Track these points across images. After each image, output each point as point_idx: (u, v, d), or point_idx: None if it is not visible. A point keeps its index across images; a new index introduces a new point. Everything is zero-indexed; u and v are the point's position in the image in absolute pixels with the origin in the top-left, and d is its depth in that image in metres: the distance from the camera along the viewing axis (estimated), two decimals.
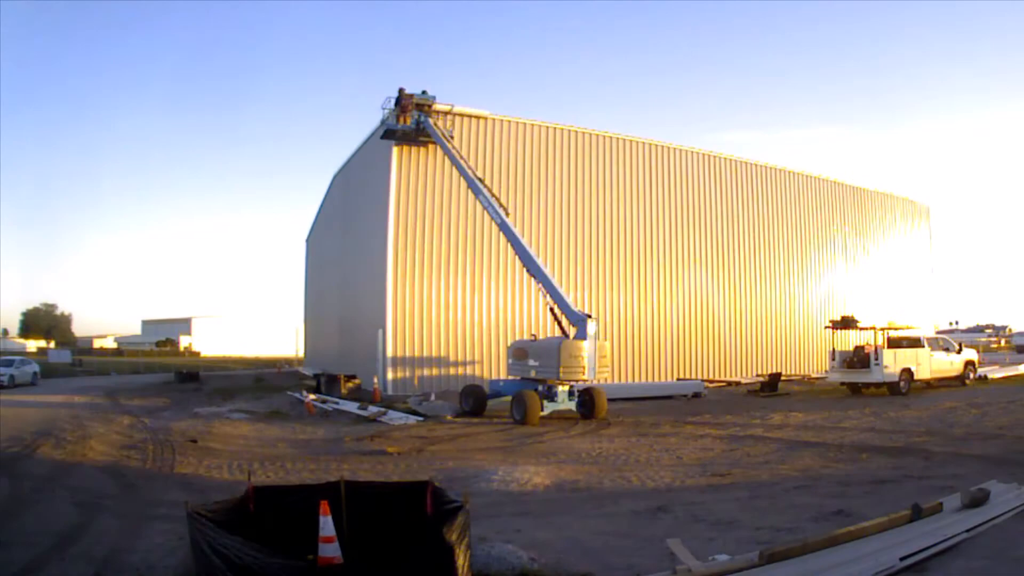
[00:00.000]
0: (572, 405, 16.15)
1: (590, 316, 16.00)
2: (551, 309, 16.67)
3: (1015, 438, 11.72)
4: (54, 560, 6.10)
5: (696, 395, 21.55)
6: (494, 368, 21.72)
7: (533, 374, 16.02)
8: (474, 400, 17.13)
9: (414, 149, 21.41)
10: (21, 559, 6.06)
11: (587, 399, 16.11)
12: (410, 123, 20.61)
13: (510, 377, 17.15)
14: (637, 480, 9.42)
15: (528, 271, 17.50)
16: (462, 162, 19.73)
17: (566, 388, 16.06)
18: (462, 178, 20.63)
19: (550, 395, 15.76)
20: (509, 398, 16.33)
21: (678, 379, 24.26)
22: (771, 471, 9.78)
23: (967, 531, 6.01)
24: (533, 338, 17.34)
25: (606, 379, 17.05)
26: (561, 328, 16.36)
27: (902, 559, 5.28)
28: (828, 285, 29.86)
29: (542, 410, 15.41)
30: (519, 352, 16.61)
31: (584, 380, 15.80)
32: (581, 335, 15.61)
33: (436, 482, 5.88)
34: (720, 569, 5.18)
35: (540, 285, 17.04)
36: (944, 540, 5.73)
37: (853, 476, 9.24)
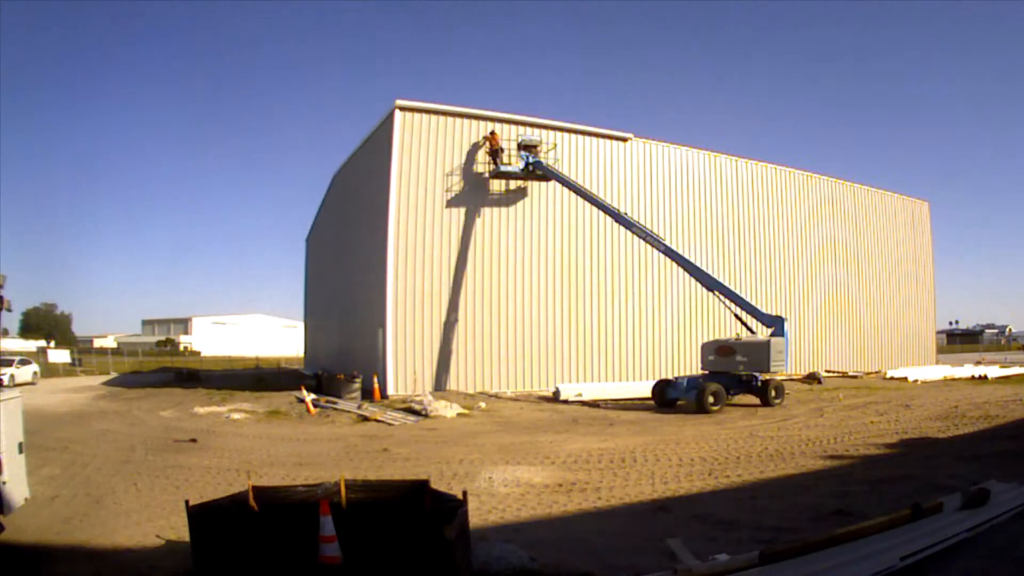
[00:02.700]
0: (751, 395, 18.26)
1: (783, 318, 18.40)
2: (736, 315, 19.19)
3: (1013, 436, 11.73)
4: None
5: None
6: (496, 367, 21.72)
7: (741, 368, 17.98)
8: (660, 393, 18.99)
9: (414, 147, 21.42)
10: None
11: (763, 389, 18.09)
12: (519, 165, 21.67)
13: (693, 374, 19.51)
14: (640, 478, 9.42)
15: (710, 288, 19.65)
16: (592, 194, 21.14)
17: (747, 380, 18.20)
18: (451, 174, 21.35)
19: (735, 386, 18.09)
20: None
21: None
22: (772, 471, 9.79)
23: (967, 531, 6.01)
24: (737, 338, 18.86)
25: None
26: (747, 328, 19.08)
27: (902, 559, 5.28)
28: (828, 284, 29.85)
29: (728, 398, 17.60)
30: (724, 350, 18.39)
31: (783, 372, 18.32)
32: (780, 332, 17.93)
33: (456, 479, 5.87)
34: (720, 569, 5.18)
35: (723, 296, 19.30)
36: (944, 540, 5.73)
37: (853, 476, 9.24)
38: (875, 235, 31.99)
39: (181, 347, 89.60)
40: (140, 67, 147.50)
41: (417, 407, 17.47)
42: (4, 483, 5.81)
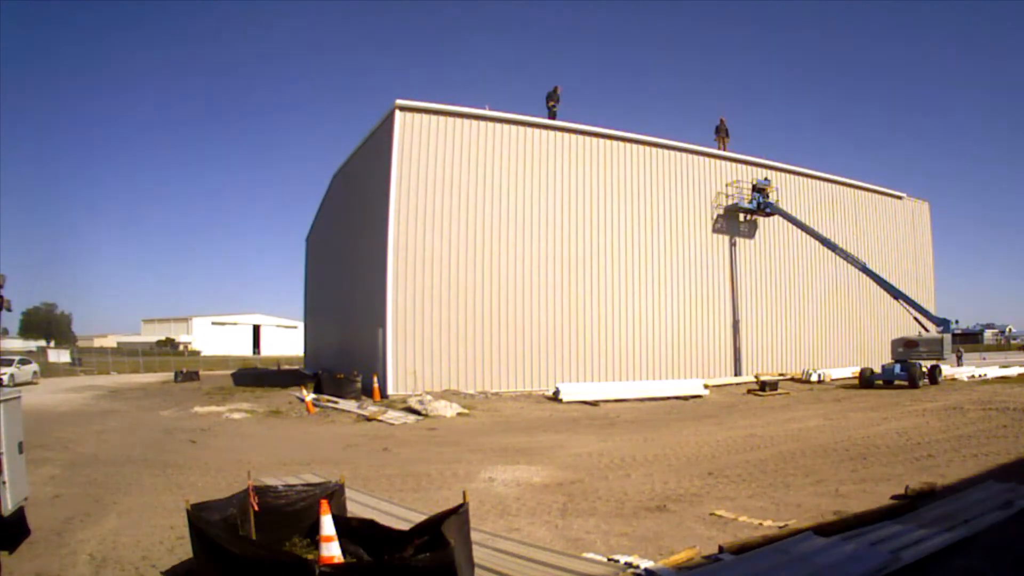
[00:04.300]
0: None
1: (948, 320, 24.41)
2: (915, 319, 24.41)
3: (1015, 436, 11.74)
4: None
5: (696, 395, 21.59)
6: (496, 367, 21.70)
7: (924, 358, 23.24)
8: (866, 378, 23.64)
9: (414, 147, 21.45)
10: None
11: (931, 372, 23.15)
12: (751, 203, 26.96)
13: (892, 362, 23.56)
14: (640, 478, 9.43)
15: (895, 297, 24.97)
16: (806, 224, 26.73)
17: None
18: (461, 176, 21.68)
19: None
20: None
21: (681, 378, 24.28)
22: (772, 470, 9.80)
23: (967, 531, 6.02)
24: (919, 335, 24.06)
25: None
26: (922, 326, 24.18)
27: (902, 559, 5.29)
28: (827, 284, 29.87)
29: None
30: (910, 343, 23.70)
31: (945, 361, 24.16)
32: (946, 331, 23.77)
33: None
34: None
35: (906, 304, 24.59)
36: (944, 540, 5.74)
37: (853, 476, 9.25)
38: (875, 235, 31.97)
39: (181, 347, 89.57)
40: (140, 67, 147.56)
41: (417, 407, 17.49)
42: (4, 482, 5.81)
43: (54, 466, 10.71)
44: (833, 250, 26.07)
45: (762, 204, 27.00)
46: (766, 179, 27.60)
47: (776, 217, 28.36)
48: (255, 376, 36.13)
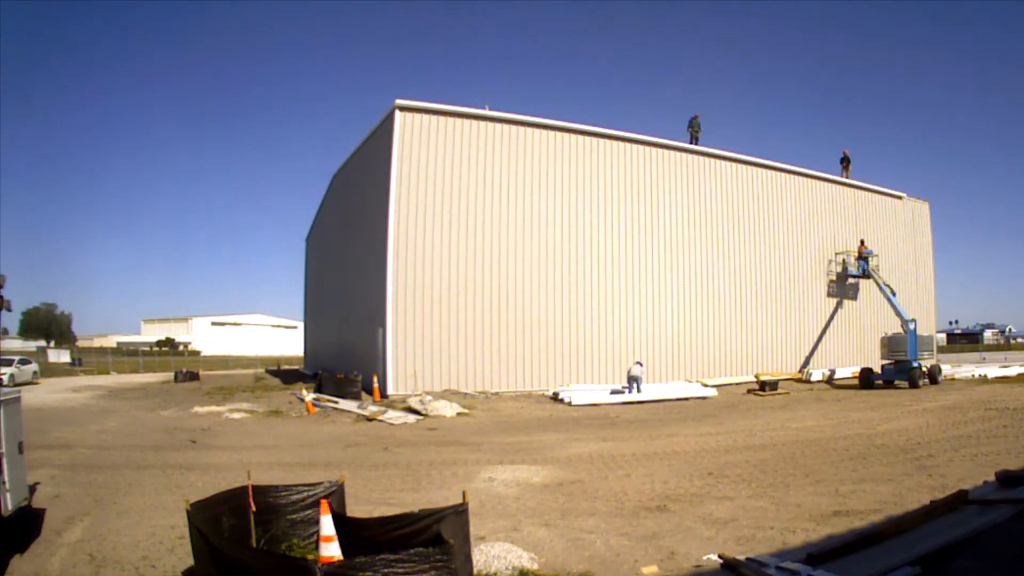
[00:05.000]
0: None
1: (913, 319, 24.39)
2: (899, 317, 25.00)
3: (1015, 436, 11.74)
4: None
5: (696, 395, 21.57)
6: (496, 367, 21.69)
7: (900, 355, 23.72)
8: (866, 378, 23.71)
9: (414, 147, 21.46)
10: None
11: (930, 371, 23.47)
12: (858, 269, 29.20)
13: (887, 361, 24.14)
14: (640, 478, 9.43)
15: (890, 303, 25.96)
16: (890, 296, 26.95)
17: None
18: (461, 176, 21.87)
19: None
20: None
21: (685, 380, 24.25)
22: (772, 470, 9.80)
23: (967, 531, 6.01)
24: (885, 333, 25.37)
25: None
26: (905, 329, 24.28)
27: (904, 558, 5.29)
28: (827, 284, 29.85)
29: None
30: (886, 342, 24.57)
31: (907, 359, 23.33)
32: (907, 331, 23.90)
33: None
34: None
35: (897, 315, 25.02)
36: (944, 540, 5.74)
37: (853, 476, 9.26)
38: (875, 235, 31.94)
39: (181, 347, 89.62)
40: (140, 67, 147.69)
41: (417, 407, 17.47)
42: (4, 483, 5.81)
43: (54, 466, 10.70)
44: (889, 298, 26.90)
45: (866, 271, 29.06)
46: (870, 249, 29.52)
47: (777, 220, 28.44)
48: (255, 376, 36.18)
